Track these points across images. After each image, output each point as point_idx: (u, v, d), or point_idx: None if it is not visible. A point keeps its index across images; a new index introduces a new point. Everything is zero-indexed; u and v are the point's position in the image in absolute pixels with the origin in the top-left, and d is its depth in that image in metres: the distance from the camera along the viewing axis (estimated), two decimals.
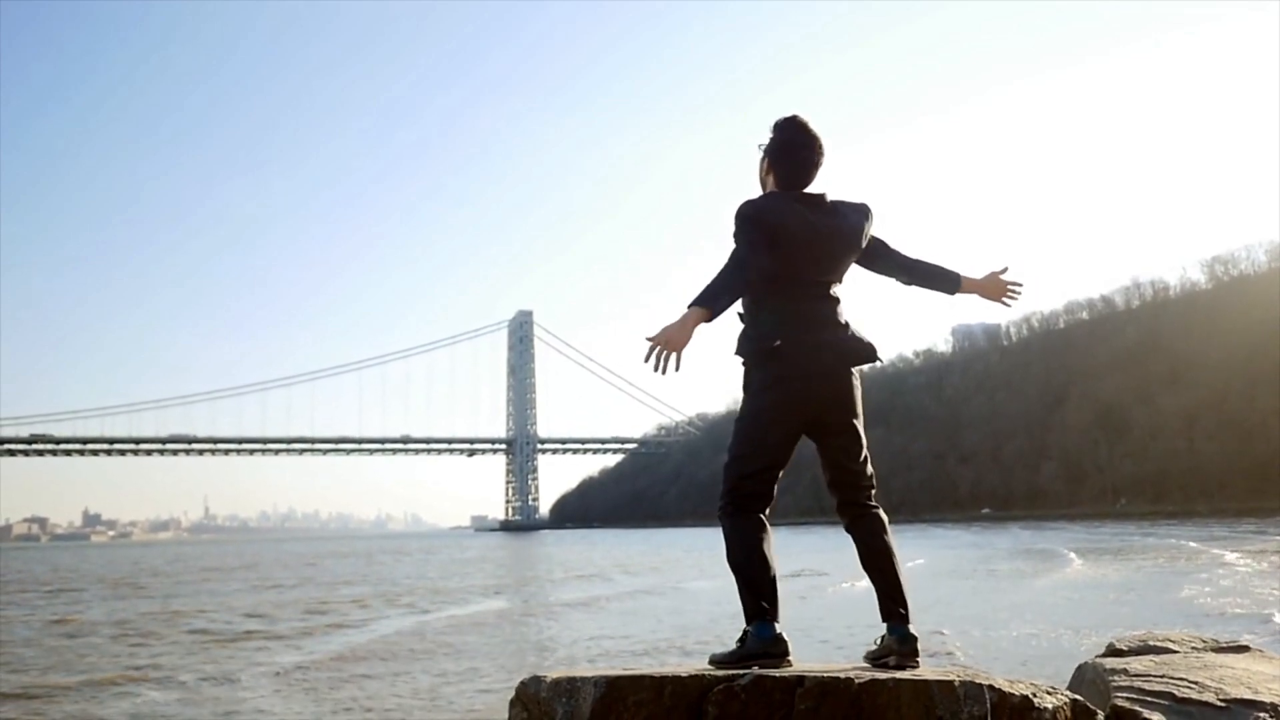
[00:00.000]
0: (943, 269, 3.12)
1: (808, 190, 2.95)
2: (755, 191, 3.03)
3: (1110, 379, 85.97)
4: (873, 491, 2.97)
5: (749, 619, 2.78)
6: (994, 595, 14.79)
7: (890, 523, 2.97)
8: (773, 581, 2.81)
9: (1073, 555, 24.06)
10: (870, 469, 2.97)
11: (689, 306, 2.68)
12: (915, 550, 29.10)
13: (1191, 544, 26.25)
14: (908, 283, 3.12)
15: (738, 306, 2.89)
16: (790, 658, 2.75)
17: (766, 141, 3.00)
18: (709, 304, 2.69)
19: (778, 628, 2.76)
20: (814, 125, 2.96)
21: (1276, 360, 68.31)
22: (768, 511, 2.90)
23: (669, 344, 2.63)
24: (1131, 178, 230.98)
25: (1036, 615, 11.39)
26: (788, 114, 2.99)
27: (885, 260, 3.07)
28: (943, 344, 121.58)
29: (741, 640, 2.78)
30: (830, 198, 2.94)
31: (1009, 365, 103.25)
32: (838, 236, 2.89)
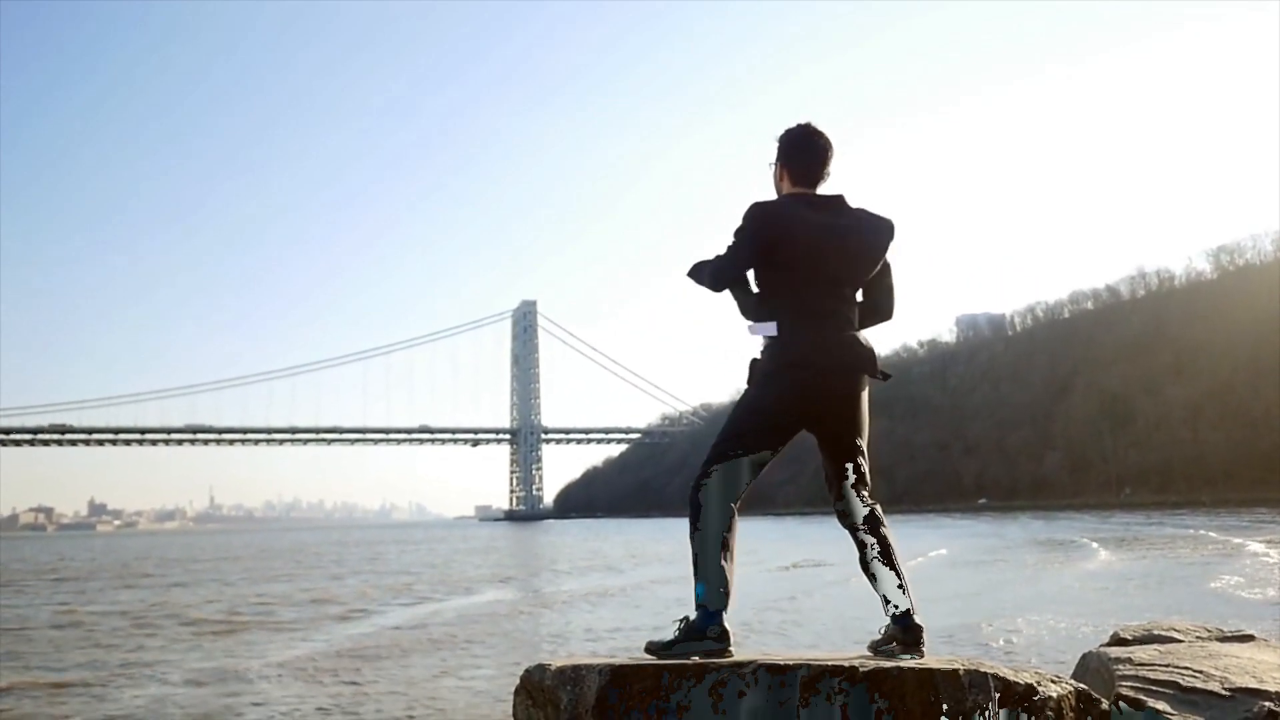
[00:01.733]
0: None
1: (824, 191, 3.00)
2: (762, 192, 3.08)
3: (1115, 369, 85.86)
4: (867, 489, 2.99)
5: (697, 606, 2.83)
6: (1015, 585, 14.73)
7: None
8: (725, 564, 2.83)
9: (1095, 545, 23.97)
10: (867, 467, 2.99)
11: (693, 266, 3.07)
12: (933, 541, 29.22)
13: (1211, 534, 26.20)
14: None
15: (751, 298, 2.96)
16: (731, 647, 2.78)
17: (775, 153, 3.05)
18: (692, 274, 3.04)
19: (723, 615, 2.79)
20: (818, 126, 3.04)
21: None
22: (738, 500, 2.88)
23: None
24: (1137, 169, 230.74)
25: (1060, 604, 11.35)
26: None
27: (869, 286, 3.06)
28: (947, 334, 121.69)
29: (681, 623, 2.82)
30: (852, 204, 2.98)
31: (1014, 355, 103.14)
32: (852, 238, 2.91)
